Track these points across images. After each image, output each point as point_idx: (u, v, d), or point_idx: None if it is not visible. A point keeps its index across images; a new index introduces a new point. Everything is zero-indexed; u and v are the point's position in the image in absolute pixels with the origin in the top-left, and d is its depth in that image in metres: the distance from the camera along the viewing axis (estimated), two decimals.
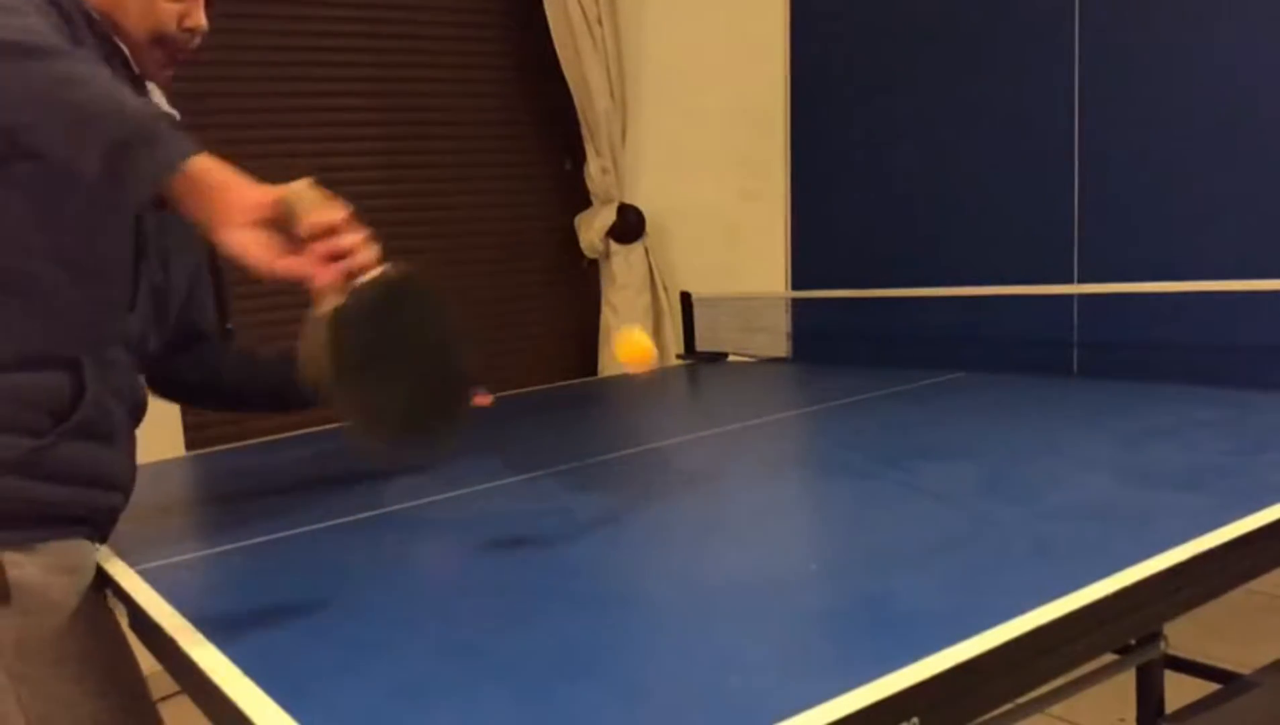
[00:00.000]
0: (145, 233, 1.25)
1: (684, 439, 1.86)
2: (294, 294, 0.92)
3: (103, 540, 1.31)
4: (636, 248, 3.59)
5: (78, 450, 1.18)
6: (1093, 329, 2.70)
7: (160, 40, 1.22)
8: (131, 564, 1.27)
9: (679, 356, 3.09)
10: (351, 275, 0.91)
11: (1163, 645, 1.30)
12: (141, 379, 1.34)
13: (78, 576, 1.22)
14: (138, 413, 1.32)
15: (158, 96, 1.35)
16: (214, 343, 1.52)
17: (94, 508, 1.24)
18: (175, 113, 1.40)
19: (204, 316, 1.49)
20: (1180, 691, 1.37)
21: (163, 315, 1.35)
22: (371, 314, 0.93)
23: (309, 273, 0.91)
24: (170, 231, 1.31)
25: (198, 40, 1.26)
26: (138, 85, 1.25)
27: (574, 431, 2.04)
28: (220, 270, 1.48)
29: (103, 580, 1.26)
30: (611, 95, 3.48)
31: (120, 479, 1.27)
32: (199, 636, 1.02)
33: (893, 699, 0.79)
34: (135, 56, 1.22)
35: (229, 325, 1.54)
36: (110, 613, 1.27)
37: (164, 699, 1.29)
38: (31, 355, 1.14)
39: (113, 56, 1.19)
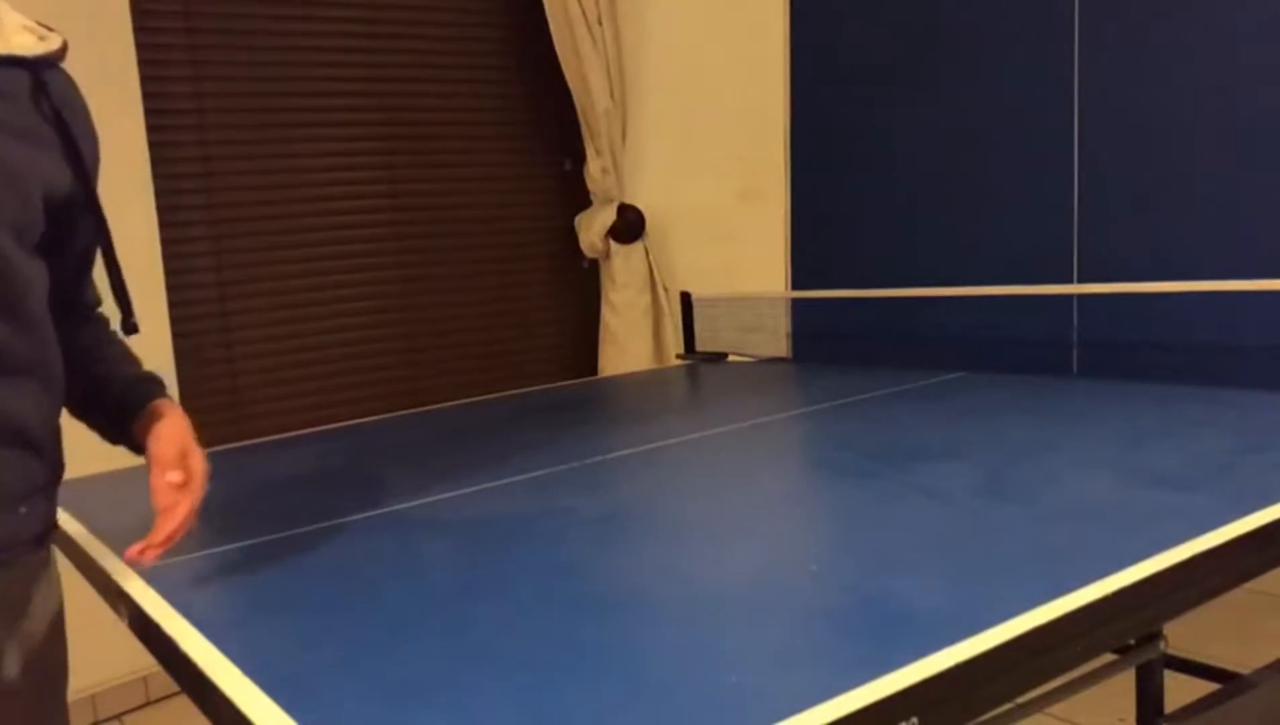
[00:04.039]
0: None
1: (684, 439, 1.86)
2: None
3: None
4: (636, 248, 3.59)
5: None
6: (1093, 329, 2.69)
7: None
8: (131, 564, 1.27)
9: (679, 356, 3.09)
10: None
11: (1162, 645, 1.30)
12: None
13: None
14: None
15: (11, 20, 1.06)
16: (75, 318, 1.21)
17: None
18: (61, 39, 1.08)
19: (80, 293, 1.21)
20: (1180, 691, 1.37)
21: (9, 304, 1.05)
22: None
23: None
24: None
25: None
26: None
27: (574, 431, 2.04)
28: (112, 247, 1.16)
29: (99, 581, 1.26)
30: (611, 95, 3.48)
31: None
32: (199, 636, 1.02)
33: (893, 699, 0.79)
34: None
35: (132, 318, 1.20)
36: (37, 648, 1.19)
37: (164, 699, 1.29)
38: None
39: None
